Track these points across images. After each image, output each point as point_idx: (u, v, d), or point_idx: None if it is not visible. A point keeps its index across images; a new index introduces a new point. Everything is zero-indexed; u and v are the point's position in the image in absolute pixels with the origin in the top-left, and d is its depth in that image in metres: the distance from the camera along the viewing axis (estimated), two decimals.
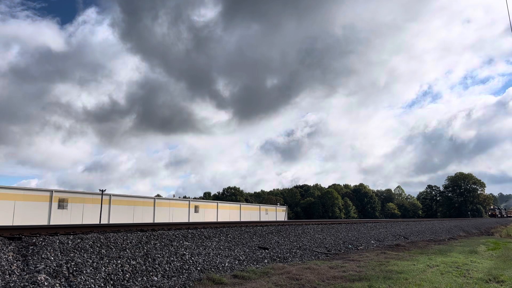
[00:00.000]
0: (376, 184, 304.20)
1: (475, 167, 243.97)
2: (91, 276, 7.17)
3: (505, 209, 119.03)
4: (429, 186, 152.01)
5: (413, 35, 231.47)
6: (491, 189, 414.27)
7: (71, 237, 9.21)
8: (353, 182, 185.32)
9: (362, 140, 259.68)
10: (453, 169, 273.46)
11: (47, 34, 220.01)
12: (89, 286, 6.87)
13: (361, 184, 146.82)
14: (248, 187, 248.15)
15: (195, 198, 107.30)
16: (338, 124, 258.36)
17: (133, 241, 10.12)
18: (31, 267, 7.14)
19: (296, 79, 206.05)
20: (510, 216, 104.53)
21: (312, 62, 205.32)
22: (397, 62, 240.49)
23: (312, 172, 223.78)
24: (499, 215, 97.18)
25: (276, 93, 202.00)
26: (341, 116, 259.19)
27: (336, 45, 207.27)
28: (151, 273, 8.17)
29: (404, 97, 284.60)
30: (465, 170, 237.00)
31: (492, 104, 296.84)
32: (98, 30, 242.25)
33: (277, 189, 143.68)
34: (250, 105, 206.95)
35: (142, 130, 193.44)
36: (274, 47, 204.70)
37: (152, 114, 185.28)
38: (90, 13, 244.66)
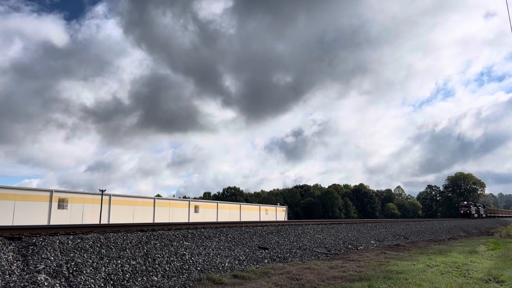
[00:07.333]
0: (380, 183, 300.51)
1: (481, 166, 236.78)
2: (91, 276, 7.17)
3: (484, 206, 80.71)
4: (429, 186, 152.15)
5: (430, 29, 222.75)
6: (496, 189, 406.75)
7: (71, 237, 9.21)
8: (357, 181, 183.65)
9: (368, 139, 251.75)
10: (460, 168, 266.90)
11: (52, 30, 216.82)
12: (89, 286, 6.87)
13: (361, 184, 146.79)
14: (251, 187, 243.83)
15: (195, 198, 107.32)
16: (347, 122, 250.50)
17: (133, 241, 10.12)
18: (31, 267, 7.14)
19: (306, 76, 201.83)
20: (492, 216, 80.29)
21: (323, 58, 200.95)
22: (413, 58, 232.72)
23: (315, 171, 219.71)
24: (475, 215, 65.86)
25: (284, 90, 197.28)
26: (351, 114, 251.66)
27: (349, 41, 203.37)
28: (151, 273, 8.17)
29: (419, 94, 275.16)
30: (471, 169, 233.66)
31: (504, 102, 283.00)
32: (105, 26, 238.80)
33: (277, 189, 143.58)
34: (258, 102, 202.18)
35: (146, 128, 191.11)
36: (284, 42, 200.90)
37: (157, 111, 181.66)
38: (98, 8, 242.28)
